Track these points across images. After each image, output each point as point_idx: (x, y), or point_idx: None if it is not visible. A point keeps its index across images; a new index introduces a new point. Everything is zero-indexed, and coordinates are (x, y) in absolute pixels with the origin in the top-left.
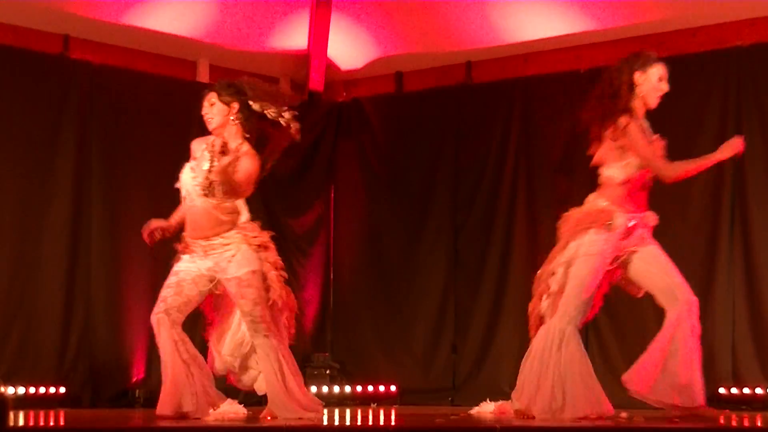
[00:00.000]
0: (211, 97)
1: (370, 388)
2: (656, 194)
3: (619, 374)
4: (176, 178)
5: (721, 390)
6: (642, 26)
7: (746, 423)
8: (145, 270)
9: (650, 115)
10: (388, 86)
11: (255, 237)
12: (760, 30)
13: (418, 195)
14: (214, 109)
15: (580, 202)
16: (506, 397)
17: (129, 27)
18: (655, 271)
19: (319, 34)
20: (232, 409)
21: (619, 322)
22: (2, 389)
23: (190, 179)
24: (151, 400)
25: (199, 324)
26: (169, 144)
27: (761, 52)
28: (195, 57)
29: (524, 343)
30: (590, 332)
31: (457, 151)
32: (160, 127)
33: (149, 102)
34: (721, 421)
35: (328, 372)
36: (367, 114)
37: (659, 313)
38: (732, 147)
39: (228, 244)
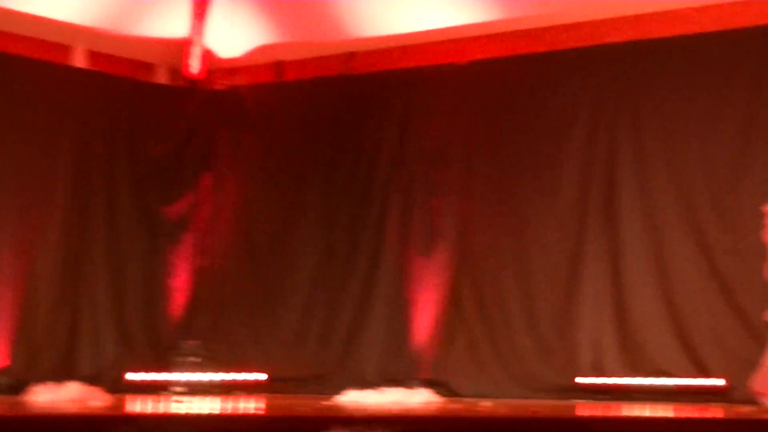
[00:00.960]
0: None
1: (239, 376)
2: (528, 189)
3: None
4: (48, 163)
5: (581, 380)
6: (522, 20)
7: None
8: (10, 258)
9: (529, 108)
10: (268, 75)
11: None
12: (638, 27)
13: (293, 184)
14: None
15: (455, 194)
16: (371, 386)
17: (3, 10)
18: None
19: (198, 22)
20: None
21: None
22: None
23: None
24: (16, 387)
25: None
26: (41, 129)
27: (640, 48)
28: (71, 42)
29: (392, 332)
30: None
31: (334, 140)
32: (32, 112)
33: (23, 86)
34: None
35: (196, 360)
36: (246, 102)
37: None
38: None
39: None
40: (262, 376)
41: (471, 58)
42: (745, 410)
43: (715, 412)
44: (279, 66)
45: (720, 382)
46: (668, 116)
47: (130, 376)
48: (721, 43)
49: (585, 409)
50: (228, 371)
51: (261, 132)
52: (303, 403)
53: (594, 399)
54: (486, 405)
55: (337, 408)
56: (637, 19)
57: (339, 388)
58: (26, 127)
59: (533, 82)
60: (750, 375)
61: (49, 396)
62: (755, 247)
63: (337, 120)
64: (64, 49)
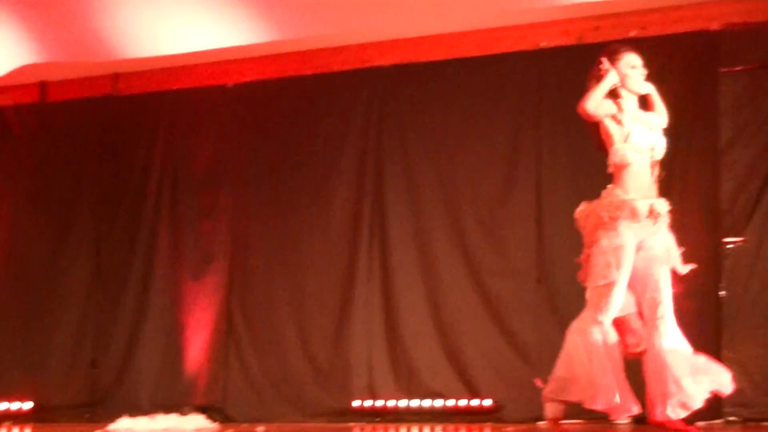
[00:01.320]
0: None
1: (4, 405)
2: (300, 211)
3: (257, 386)
4: None
5: (356, 402)
6: (288, 43)
7: None
8: None
9: (298, 131)
10: (31, 95)
11: None
12: (401, 50)
13: (62, 206)
14: None
15: (226, 216)
16: (144, 412)
17: None
18: None
19: None
20: None
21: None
22: None
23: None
24: None
25: None
26: None
27: (401, 71)
28: None
29: (165, 357)
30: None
31: (101, 162)
32: None
33: None
34: None
35: None
36: (10, 123)
37: (299, 325)
38: None
39: None
40: (29, 405)
41: (239, 80)
42: (510, 429)
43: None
44: (43, 86)
45: (488, 402)
46: (436, 137)
47: None
48: (485, 66)
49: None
50: None
51: (26, 153)
52: None
53: (368, 422)
54: (260, 430)
55: None
56: (403, 43)
57: (111, 416)
58: None
59: (303, 104)
60: (519, 393)
61: None
62: (521, 268)
63: (105, 142)
64: None
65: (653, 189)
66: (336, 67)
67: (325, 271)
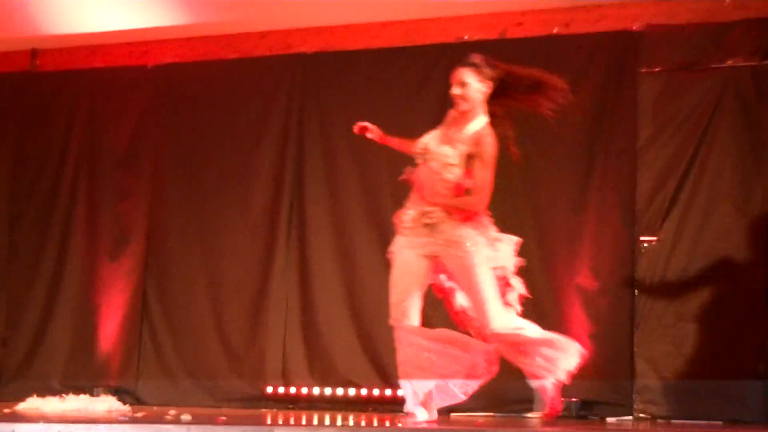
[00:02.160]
0: None
1: None
2: (219, 195)
3: (171, 370)
4: None
5: (269, 389)
6: (212, 26)
7: (293, 421)
8: None
9: (219, 114)
10: None
11: None
12: (325, 38)
13: None
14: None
15: (144, 198)
16: (55, 393)
17: None
18: None
19: None
20: None
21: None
22: None
23: None
24: None
25: None
26: None
27: (325, 58)
28: None
29: (76, 337)
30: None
31: (17, 140)
32: None
33: None
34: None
35: None
36: None
37: (215, 311)
38: None
39: None
40: None
41: (160, 61)
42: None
43: (397, 420)
44: None
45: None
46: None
47: None
48: (408, 57)
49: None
50: None
51: None
52: None
53: (281, 408)
54: (172, 413)
55: (17, 416)
56: (327, 30)
57: (21, 395)
58: None
59: (225, 88)
60: None
61: None
62: None
63: (23, 119)
64: None
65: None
66: (260, 52)
67: (243, 256)
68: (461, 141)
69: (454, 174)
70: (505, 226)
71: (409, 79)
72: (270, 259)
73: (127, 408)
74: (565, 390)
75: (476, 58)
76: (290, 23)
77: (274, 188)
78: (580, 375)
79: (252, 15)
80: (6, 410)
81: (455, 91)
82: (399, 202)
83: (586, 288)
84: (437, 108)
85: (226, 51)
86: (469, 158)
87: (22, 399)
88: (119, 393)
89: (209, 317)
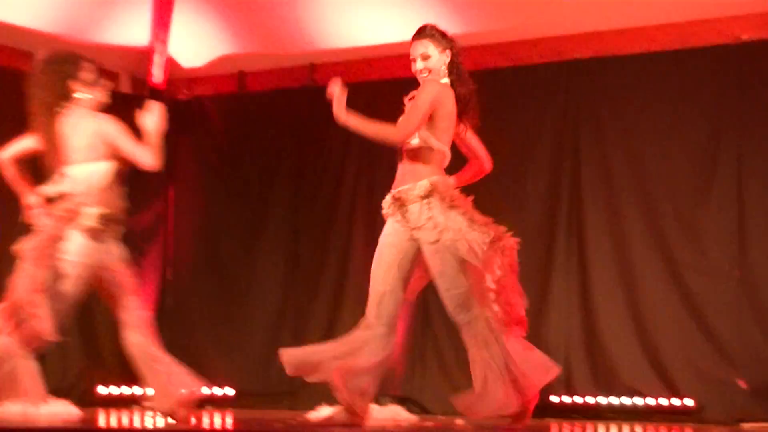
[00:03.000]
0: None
1: (206, 390)
2: (495, 205)
3: (455, 379)
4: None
5: (554, 398)
6: (484, 35)
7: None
8: None
9: (491, 124)
10: (230, 85)
11: None
12: (599, 43)
13: (259, 195)
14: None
15: None
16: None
17: None
18: None
19: (160, 30)
20: None
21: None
22: None
23: None
24: None
25: None
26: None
27: (599, 64)
28: (32, 48)
29: None
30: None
31: (298, 152)
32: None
33: None
34: None
35: None
36: (209, 113)
37: None
38: None
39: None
40: (230, 391)
41: None
42: (715, 431)
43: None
44: (241, 76)
45: (690, 402)
46: (632, 132)
47: (100, 389)
48: (682, 60)
49: (556, 428)
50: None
51: (224, 143)
52: (274, 419)
53: (566, 418)
54: (458, 422)
55: (311, 423)
56: (596, 36)
57: (311, 404)
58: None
59: (500, 97)
60: (720, 394)
61: (20, 409)
62: (720, 263)
63: (301, 131)
64: (28, 55)
65: None
66: (532, 60)
67: (521, 268)
68: None
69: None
70: None
71: (684, 83)
72: (549, 267)
73: (412, 417)
74: None
75: (431, 28)
76: (562, 30)
77: (551, 197)
78: None
79: (524, 23)
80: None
81: (418, 66)
82: (679, 206)
83: None
84: (714, 111)
85: (498, 60)
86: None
87: (312, 408)
88: (405, 402)
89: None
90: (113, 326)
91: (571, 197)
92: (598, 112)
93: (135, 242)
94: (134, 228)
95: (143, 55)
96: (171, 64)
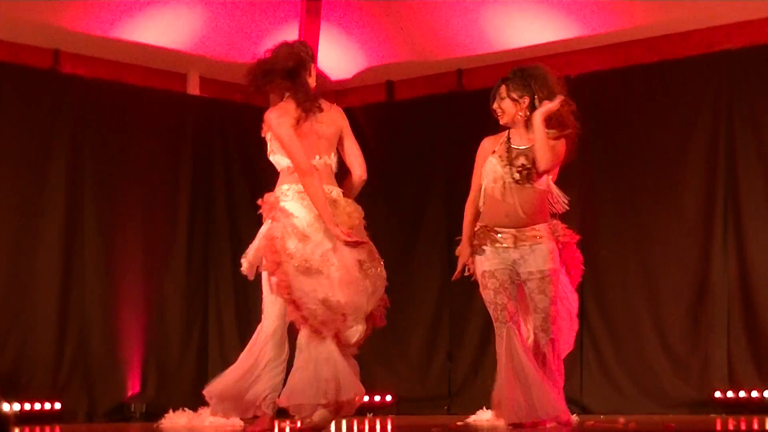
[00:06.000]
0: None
1: (366, 397)
2: (651, 201)
3: (615, 379)
4: (170, 190)
5: (717, 394)
6: (631, 31)
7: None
8: (139, 283)
9: (645, 119)
10: (378, 95)
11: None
12: (750, 33)
13: (412, 203)
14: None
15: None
16: None
17: (119, 40)
18: None
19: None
20: None
21: (613, 326)
22: (3, 406)
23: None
24: (148, 414)
25: None
26: (161, 156)
27: (751, 54)
28: (185, 69)
29: None
30: (584, 336)
31: (449, 159)
32: (151, 139)
33: (141, 115)
34: None
35: None
36: (359, 123)
37: (655, 317)
38: None
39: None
40: (389, 398)
41: (582, 71)
42: None
43: None
44: (389, 85)
45: None
46: None
47: None
48: None
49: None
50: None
51: (375, 153)
52: (434, 424)
53: (731, 413)
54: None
55: (471, 428)
56: (749, 24)
57: (469, 408)
58: (146, 153)
59: (650, 93)
60: None
61: (185, 421)
62: None
63: (452, 137)
64: (181, 77)
65: None
66: (682, 53)
67: (679, 261)
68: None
69: None
70: None
71: None
72: (707, 261)
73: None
74: None
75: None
76: (712, 21)
77: (707, 190)
78: None
79: (673, 16)
80: (458, 423)
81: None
82: None
83: None
84: None
85: (647, 55)
86: None
87: (471, 412)
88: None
89: (648, 323)
90: None
91: (728, 190)
92: (752, 102)
93: None
94: None
95: None
96: (319, 77)
